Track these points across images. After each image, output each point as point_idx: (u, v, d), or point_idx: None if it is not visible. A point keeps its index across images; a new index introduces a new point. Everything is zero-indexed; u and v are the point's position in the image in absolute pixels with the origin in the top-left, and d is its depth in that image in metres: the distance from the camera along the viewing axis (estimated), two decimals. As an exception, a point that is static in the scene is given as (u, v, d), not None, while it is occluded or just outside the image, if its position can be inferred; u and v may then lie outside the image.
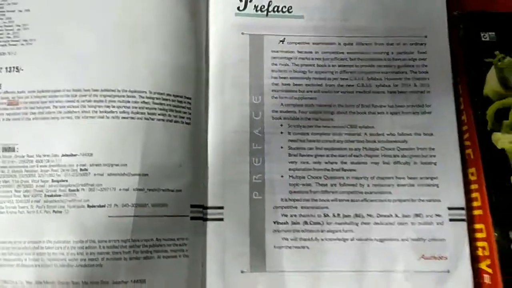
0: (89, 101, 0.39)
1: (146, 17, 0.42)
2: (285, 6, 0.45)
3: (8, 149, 0.38)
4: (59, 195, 0.38)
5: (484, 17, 0.45)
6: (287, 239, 0.41)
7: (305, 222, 0.41)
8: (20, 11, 0.41)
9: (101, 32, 0.41)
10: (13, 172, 0.38)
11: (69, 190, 0.38)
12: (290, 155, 0.42)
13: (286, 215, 0.41)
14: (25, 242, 0.37)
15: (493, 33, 0.45)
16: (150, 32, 0.41)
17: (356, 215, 0.41)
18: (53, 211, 0.38)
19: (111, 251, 0.37)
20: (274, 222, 0.41)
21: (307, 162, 0.42)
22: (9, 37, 0.40)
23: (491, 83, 0.43)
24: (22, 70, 0.40)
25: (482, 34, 0.45)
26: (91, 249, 0.37)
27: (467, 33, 0.45)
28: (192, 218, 0.40)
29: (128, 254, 0.37)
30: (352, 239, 0.41)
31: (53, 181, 0.38)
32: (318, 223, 0.41)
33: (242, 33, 0.44)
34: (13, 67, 0.40)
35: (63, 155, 0.38)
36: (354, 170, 0.42)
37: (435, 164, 0.42)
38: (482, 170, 0.42)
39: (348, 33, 0.45)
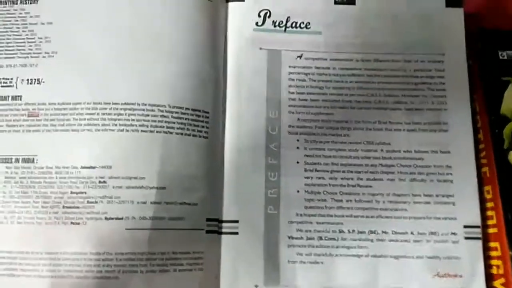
0: (109, 114, 0.39)
1: (166, 32, 0.42)
2: (303, 22, 0.45)
3: (28, 160, 0.39)
4: (78, 207, 0.38)
5: (502, 35, 0.45)
6: (301, 254, 0.41)
7: (320, 238, 0.41)
8: (43, 23, 0.42)
9: (122, 46, 0.41)
10: (32, 183, 0.39)
11: (88, 202, 0.38)
12: (306, 170, 0.42)
13: (301, 230, 0.41)
14: (42, 253, 0.38)
15: (511, 51, 0.45)
16: (170, 47, 0.42)
17: (371, 232, 0.42)
18: (71, 222, 0.38)
19: (127, 264, 0.38)
20: (289, 237, 0.41)
21: (323, 178, 0.42)
22: (31, 49, 0.41)
23: (508, 102, 0.43)
24: (43, 82, 0.40)
25: (499, 53, 0.45)
26: (108, 261, 0.37)
27: (484, 51, 0.45)
28: (207, 232, 0.40)
29: (145, 267, 0.38)
30: (366, 256, 0.41)
31: (71, 192, 0.38)
32: (333, 239, 0.41)
33: (260, 48, 0.44)
34: (35, 79, 0.40)
35: (82, 167, 0.39)
36: (370, 186, 0.42)
37: (451, 182, 0.42)
38: (498, 189, 0.42)
39: (365, 49, 0.45)
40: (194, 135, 0.40)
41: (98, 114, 0.39)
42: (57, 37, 0.41)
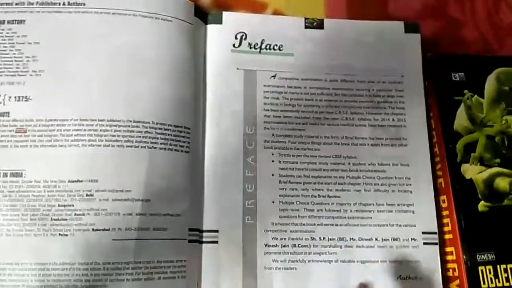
0: (96, 130, 0.41)
1: (150, 51, 0.44)
2: (276, 45, 0.48)
3: (16, 174, 0.40)
4: (65, 219, 0.39)
5: (455, 59, 0.49)
6: (277, 261, 0.43)
7: (294, 245, 0.44)
8: (30, 43, 0.43)
9: (107, 67, 0.43)
10: (20, 196, 0.40)
11: (75, 214, 0.40)
12: (280, 182, 0.45)
13: (276, 238, 0.44)
14: (31, 263, 0.39)
15: (463, 73, 0.48)
16: (154, 65, 0.44)
17: (340, 239, 0.44)
18: (59, 234, 0.39)
19: (114, 273, 0.39)
20: (265, 245, 0.44)
21: (296, 189, 0.45)
22: (18, 68, 0.42)
23: (461, 119, 0.47)
24: (31, 99, 0.41)
25: (453, 74, 0.48)
26: (96, 271, 0.39)
27: (439, 73, 0.48)
28: (190, 241, 0.42)
29: (131, 276, 0.39)
30: (336, 261, 0.44)
31: (59, 205, 0.40)
32: (306, 246, 0.44)
33: (237, 68, 0.47)
34: (22, 97, 0.41)
35: (69, 181, 0.40)
36: (339, 196, 0.45)
37: (410, 192, 0.46)
38: (452, 198, 0.45)
39: (333, 70, 0.48)
40: (176, 150, 0.43)
41: (84, 130, 0.41)
42: (44, 56, 0.43)
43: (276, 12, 0.51)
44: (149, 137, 0.42)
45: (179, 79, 0.44)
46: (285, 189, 0.45)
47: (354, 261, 0.44)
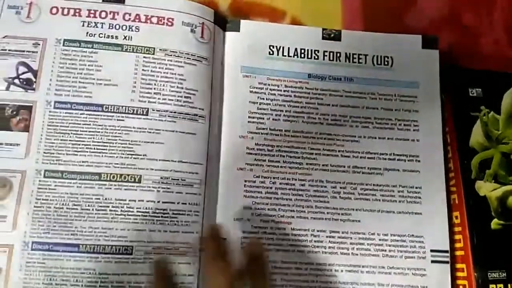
0: None
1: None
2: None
3: None
4: None
5: (473, 74, 0.48)
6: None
7: None
8: None
9: None
10: None
11: None
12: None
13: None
14: None
15: (480, 89, 0.48)
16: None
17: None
18: None
19: None
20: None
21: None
22: None
23: (477, 135, 0.46)
24: None
25: (470, 90, 0.48)
26: None
27: (456, 88, 0.48)
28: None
29: None
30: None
31: None
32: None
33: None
34: None
35: None
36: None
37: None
38: (465, 215, 0.45)
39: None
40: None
41: None
42: None
43: (294, 21, 0.50)
44: None
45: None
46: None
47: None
